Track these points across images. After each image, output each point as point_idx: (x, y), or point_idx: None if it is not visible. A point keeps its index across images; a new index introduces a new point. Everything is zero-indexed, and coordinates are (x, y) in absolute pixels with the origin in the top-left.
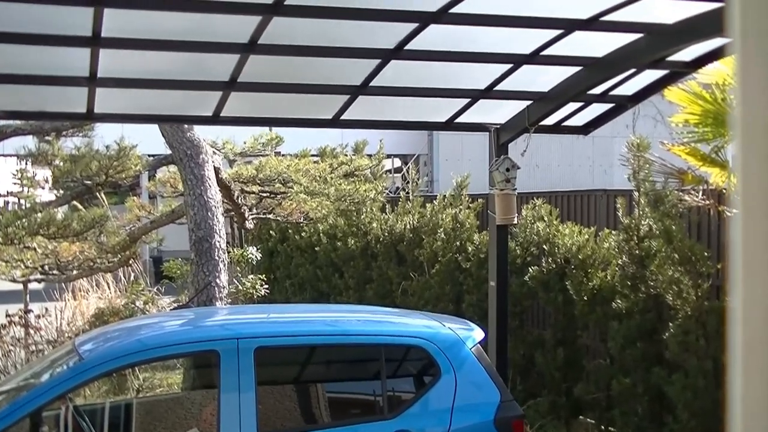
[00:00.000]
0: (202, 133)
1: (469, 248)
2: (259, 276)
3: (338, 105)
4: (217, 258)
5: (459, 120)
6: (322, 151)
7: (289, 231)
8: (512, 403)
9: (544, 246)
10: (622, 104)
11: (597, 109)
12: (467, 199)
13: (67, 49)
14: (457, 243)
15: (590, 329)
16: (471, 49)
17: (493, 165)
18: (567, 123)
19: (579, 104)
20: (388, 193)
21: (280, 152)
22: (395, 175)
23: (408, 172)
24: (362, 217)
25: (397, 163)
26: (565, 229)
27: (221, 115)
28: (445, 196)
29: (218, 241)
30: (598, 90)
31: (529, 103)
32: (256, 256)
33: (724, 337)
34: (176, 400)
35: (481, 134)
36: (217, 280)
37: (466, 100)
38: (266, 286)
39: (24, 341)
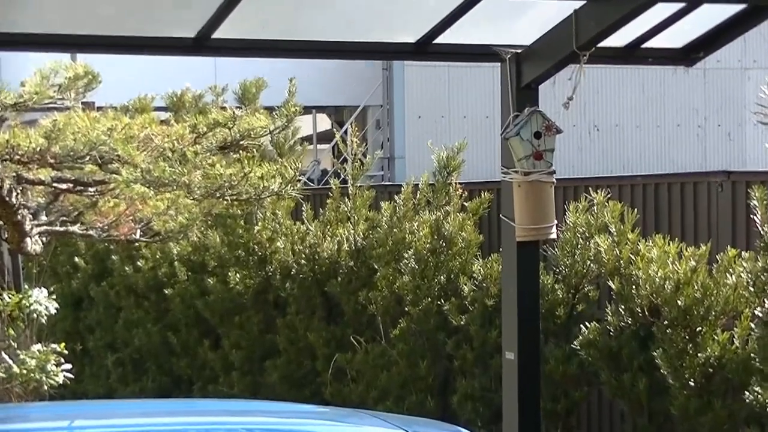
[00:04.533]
0: None
1: (465, 288)
2: (54, 347)
3: (207, 13)
4: None
5: (442, 40)
6: (176, 101)
7: (114, 257)
8: None
9: (610, 282)
10: (761, 5)
11: (710, 16)
12: (459, 191)
13: None
14: (442, 278)
15: None
16: None
17: (511, 126)
18: (652, 44)
19: (676, 6)
20: (305, 182)
21: (93, 103)
22: (320, 146)
23: (345, 141)
24: (256, 229)
25: (325, 123)
26: (650, 248)
27: None
28: (417, 186)
29: None
30: None
31: (578, 4)
32: (46, 308)
33: None
34: None
35: (486, 67)
36: None
37: (458, 1)
38: (68, 366)
39: None
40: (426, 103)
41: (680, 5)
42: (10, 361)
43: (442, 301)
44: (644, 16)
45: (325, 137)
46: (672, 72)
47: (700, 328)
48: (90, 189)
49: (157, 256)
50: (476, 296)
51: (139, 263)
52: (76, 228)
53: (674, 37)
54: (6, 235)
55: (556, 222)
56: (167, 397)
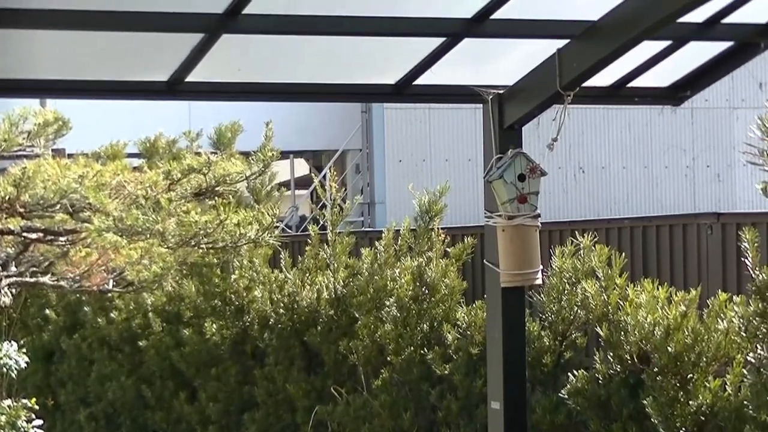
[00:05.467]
0: None
1: (449, 336)
2: (25, 402)
3: (180, 55)
4: None
5: (422, 81)
6: (149, 146)
7: (86, 309)
8: None
9: (598, 328)
10: (748, 42)
11: (697, 54)
12: (442, 237)
13: None
14: (425, 326)
15: None
16: None
17: (494, 169)
18: (637, 83)
19: (662, 45)
20: (283, 229)
21: (64, 150)
22: (298, 192)
23: (323, 186)
24: (233, 277)
25: (303, 168)
26: (639, 293)
27: None
28: (398, 231)
29: None
30: (697, 16)
31: (562, 43)
32: (17, 362)
33: None
34: None
35: (468, 109)
36: None
37: (438, 41)
38: (40, 422)
39: None
40: (407, 147)
41: (666, 43)
42: None
43: (426, 350)
44: (629, 54)
45: (303, 182)
46: (659, 112)
47: (691, 375)
48: (61, 238)
49: (131, 307)
50: (460, 344)
51: (112, 314)
52: (46, 279)
53: (660, 76)
54: None
55: (541, 267)
56: None
